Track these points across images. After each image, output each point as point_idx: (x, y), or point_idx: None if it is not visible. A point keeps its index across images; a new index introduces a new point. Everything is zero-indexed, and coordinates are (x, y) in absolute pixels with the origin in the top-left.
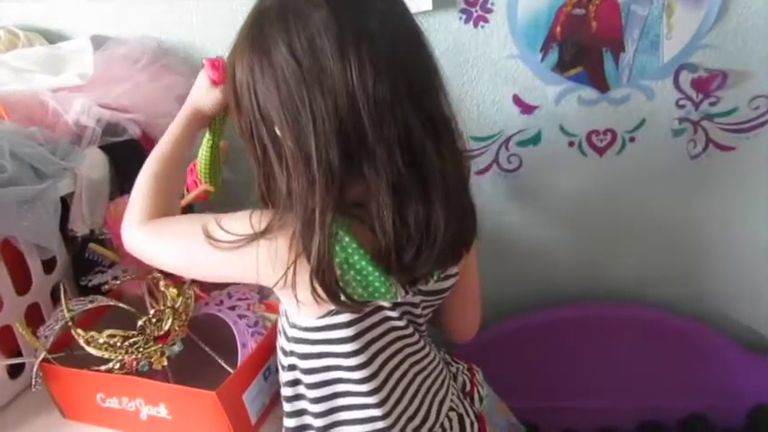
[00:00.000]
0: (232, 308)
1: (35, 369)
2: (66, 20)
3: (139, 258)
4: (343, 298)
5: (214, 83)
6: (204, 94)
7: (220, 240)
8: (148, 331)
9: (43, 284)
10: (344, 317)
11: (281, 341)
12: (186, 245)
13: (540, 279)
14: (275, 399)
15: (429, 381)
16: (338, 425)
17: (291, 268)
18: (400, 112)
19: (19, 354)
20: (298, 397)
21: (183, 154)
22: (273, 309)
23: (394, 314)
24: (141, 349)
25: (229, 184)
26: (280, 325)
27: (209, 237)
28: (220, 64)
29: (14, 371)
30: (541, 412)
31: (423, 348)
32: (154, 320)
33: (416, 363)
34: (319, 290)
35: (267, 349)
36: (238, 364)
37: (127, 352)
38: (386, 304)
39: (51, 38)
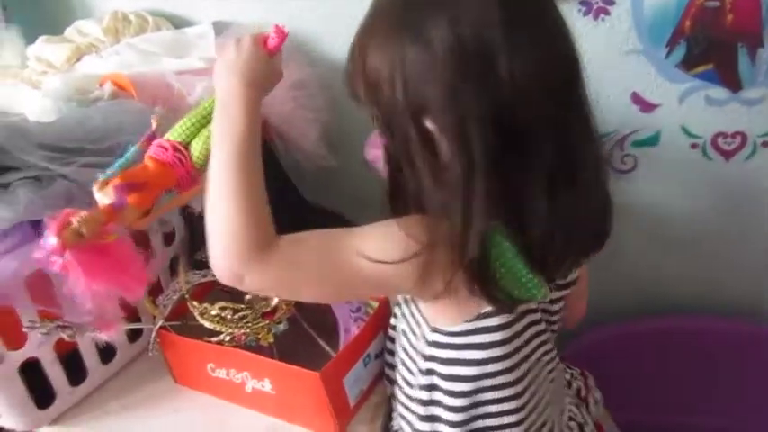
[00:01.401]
0: None
1: (153, 335)
2: (190, 6)
3: (265, 295)
4: (501, 298)
5: (270, 53)
6: (263, 68)
7: (381, 260)
8: (257, 306)
9: (162, 256)
10: (495, 320)
11: (420, 345)
12: (332, 271)
13: (647, 288)
14: (372, 386)
15: (554, 387)
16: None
17: (452, 275)
18: (557, 100)
19: (138, 320)
20: (433, 402)
21: (260, 150)
22: (374, 296)
23: (536, 317)
24: (250, 324)
25: None
26: (408, 326)
27: (365, 257)
28: (284, 33)
29: (133, 335)
30: (644, 427)
31: (554, 353)
32: (261, 296)
33: (550, 371)
34: (480, 293)
35: (369, 336)
36: (340, 348)
37: (237, 326)
38: (532, 305)
39: (177, 23)
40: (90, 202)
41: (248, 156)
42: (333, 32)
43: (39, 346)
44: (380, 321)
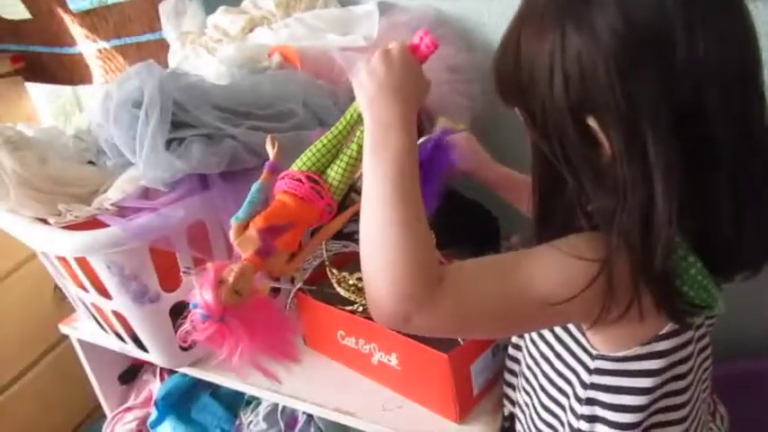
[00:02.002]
0: None
1: (291, 295)
2: None
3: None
4: (686, 313)
5: (421, 62)
6: (418, 81)
7: (569, 296)
8: None
9: None
10: (671, 342)
11: (574, 373)
12: (513, 306)
13: None
14: (498, 377)
15: (703, 409)
16: None
17: (636, 293)
18: (743, 91)
19: (277, 279)
20: None
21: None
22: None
23: (702, 331)
24: None
25: None
26: (551, 350)
27: (549, 292)
28: (436, 44)
29: (273, 292)
30: None
31: (706, 368)
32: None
33: (705, 388)
34: (666, 310)
35: None
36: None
37: None
38: (699, 321)
39: (344, 1)
40: (249, 162)
41: (413, 185)
42: (496, 18)
43: (190, 290)
44: None
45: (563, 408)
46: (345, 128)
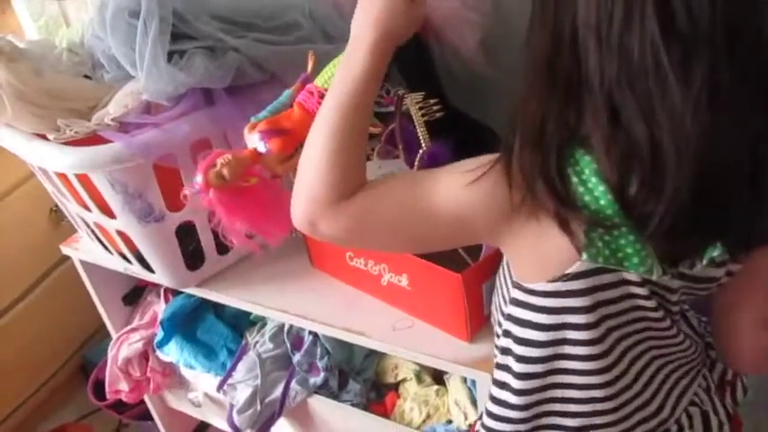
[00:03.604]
0: None
1: None
2: None
3: (336, 244)
4: (576, 228)
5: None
6: (401, 18)
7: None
8: None
9: None
10: (581, 283)
11: (499, 300)
12: (408, 220)
13: None
14: None
15: (669, 368)
16: (548, 402)
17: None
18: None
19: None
20: (505, 368)
21: (372, 102)
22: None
23: (641, 291)
24: None
25: None
26: (499, 281)
27: (445, 187)
28: None
29: None
30: None
31: (671, 334)
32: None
33: (659, 347)
34: (555, 209)
35: None
36: (483, 255)
37: None
38: (632, 278)
39: None
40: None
41: (356, 105)
42: None
43: (196, 211)
44: None
45: (497, 341)
46: None
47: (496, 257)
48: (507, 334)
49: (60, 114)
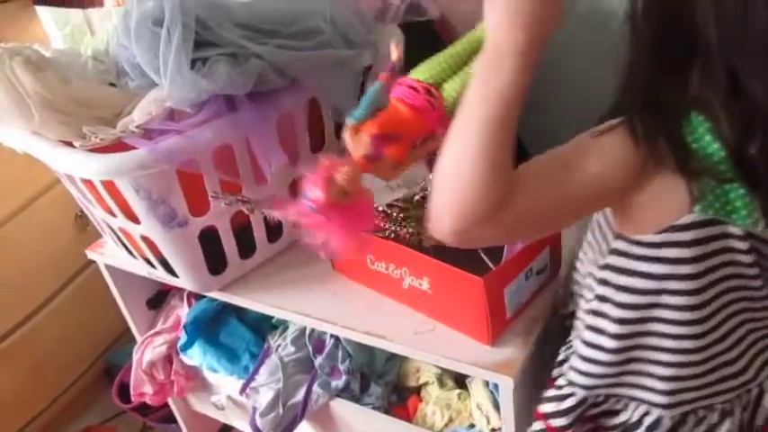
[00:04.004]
0: None
1: None
2: None
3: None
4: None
5: None
6: (550, 7)
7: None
8: (419, 206)
9: (334, 146)
10: (689, 235)
11: (593, 255)
12: (563, 199)
13: None
14: (530, 301)
15: (758, 334)
16: (640, 348)
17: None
18: None
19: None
20: (601, 314)
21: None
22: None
23: (742, 245)
24: (414, 224)
25: None
26: (593, 237)
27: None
28: None
29: None
30: None
31: (763, 295)
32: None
33: (751, 310)
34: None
35: (533, 250)
36: (504, 259)
37: (400, 224)
38: (736, 231)
39: None
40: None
41: (511, 118)
42: None
43: (218, 216)
44: (546, 237)
45: (587, 294)
46: (471, 44)
47: (518, 260)
48: (605, 282)
49: (86, 122)
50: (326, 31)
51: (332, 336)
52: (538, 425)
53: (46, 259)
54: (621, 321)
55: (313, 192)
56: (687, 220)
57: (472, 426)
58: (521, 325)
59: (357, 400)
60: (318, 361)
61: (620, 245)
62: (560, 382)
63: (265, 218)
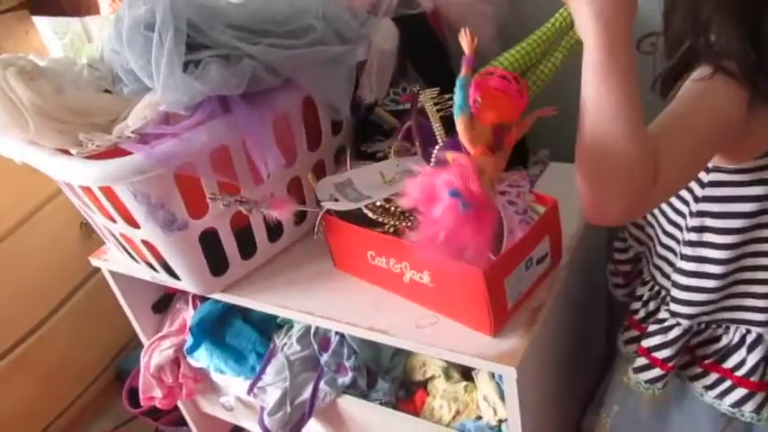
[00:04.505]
0: (502, 193)
1: (319, 218)
2: None
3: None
4: None
5: None
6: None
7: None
8: None
9: (330, 144)
10: None
11: (689, 191)
12: (700, 144)
13: None
14: (531, 291)
15: None
16: (742, 270)
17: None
18: None
19: (303, 204)
20: (702, 244)
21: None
22: (542, 200)
23: None
24: (413, 218)
25: None
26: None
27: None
28: None
29: (299, 218)
30: None
31: None
32: None
33: None
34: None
35: (533, 240)
36: (503, 249)
37: (399, 219)
38: None
39: None
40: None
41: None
42: None
43: (218, 217)
44: (547, 226)
45: (680, 227)
46: (552, 33)
47: (517, 251)
48: (702, 214)
49: (82, 129)
50: (319, 29)
51: (337, 333)
52: (641, 360)
53: (53, 268)
54: (727, 247)
55: (469, 187)
56: None
57: (479, 418)
58: (522, 315)
59: (365, 396)
60: (324, 358)
61: (719, 176)
62: (662, 315)
63: (265, 218)
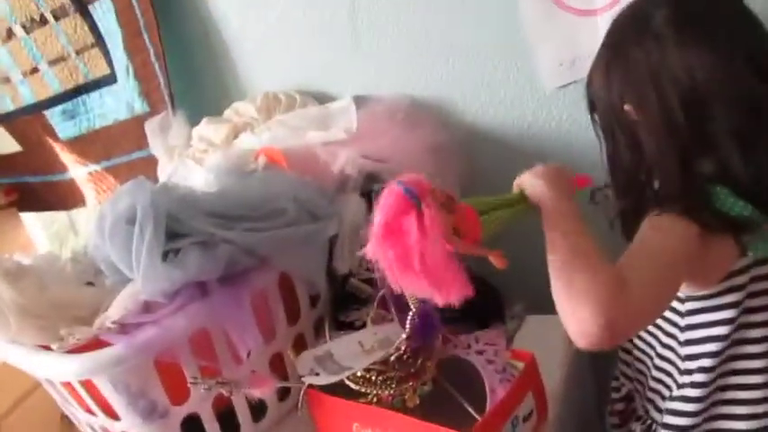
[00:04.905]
0: (480, 352)
1: (302, 393)
2: (333, 83)
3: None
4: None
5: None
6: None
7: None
8: (397, 366)
9: (309, 317)
10: (745, 277)
11: (671, 325)
12: (665, 267)
13: None
14: None
15: None
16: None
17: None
18: (737, 75)
19: (286, 379)
20: (688, 372)
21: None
22: (520, 357)
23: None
24: (394, 386)
25: None
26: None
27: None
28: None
29: (282, 394)
30: None
31: None
32: (405, 357)
33: None
34: (715, 222)
35: (517, 397)
36: (487, 409)
37: (381, 387)
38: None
39: (321, 99)
40: (246, 263)
41: (584, 239)
42: (469, 99)
43: (200, 401)
44: (529, 382)
45: (672, 362)
46: (503, 202)
47: (500, 410)
48: (690, 342)
49: (64, 323)
50: (291, 210)
51: None
52: None
53: None
54: (708, 370)
55: (414, 179)
56: (741, 264)
57: None
58: None
59: None
60: None
61: (693, 305)
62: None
63: (247, 397)
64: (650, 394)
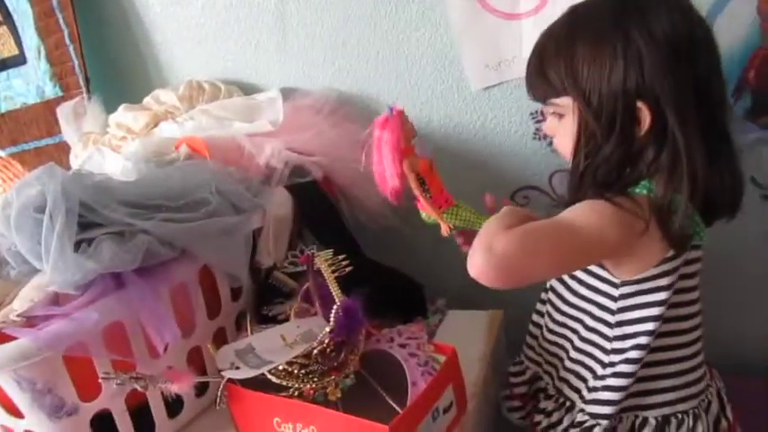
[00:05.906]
0: (402, 345)
1: (221, 388)
2: (259, 74)
3: (507, 271)
4: (679, 235)
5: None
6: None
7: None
8: (320, 360)
9: (230, 311)
10: (677, 261)
11: (603, 309)
12: (565, 238)
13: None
14: None
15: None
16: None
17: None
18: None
19: (205, 373)
20: (622, 350)
21: None
22: (442, 350)
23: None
24: (316, 379)
25: None
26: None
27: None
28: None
29: (200, 389)
30: None
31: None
32: (329, 350)
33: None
34: (667, 231)
35: (437, 390)
36: (409, 402)
37: (303, 381)
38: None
39: (247, 90)
40: (165, 255)
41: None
42: (393, 95)
43: (112, 397)
44: (449, 375)
45: (597, 344)
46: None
47: (421, 403)
48: (621, 323)
49: None
50: (213, 201)
51: None
52: None
53: None
54: (644, 347)
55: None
56: (671, 253)
57: None
58: None
59: None
60: None
61: (626, 289)
62: (581, 417)
63: (163, 393)
64: (565, 374)
